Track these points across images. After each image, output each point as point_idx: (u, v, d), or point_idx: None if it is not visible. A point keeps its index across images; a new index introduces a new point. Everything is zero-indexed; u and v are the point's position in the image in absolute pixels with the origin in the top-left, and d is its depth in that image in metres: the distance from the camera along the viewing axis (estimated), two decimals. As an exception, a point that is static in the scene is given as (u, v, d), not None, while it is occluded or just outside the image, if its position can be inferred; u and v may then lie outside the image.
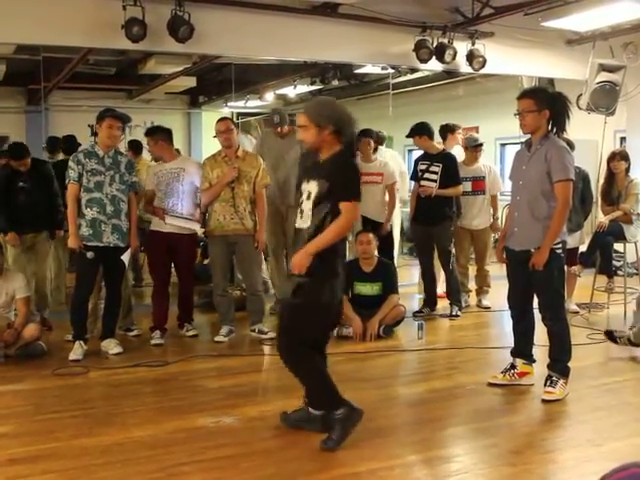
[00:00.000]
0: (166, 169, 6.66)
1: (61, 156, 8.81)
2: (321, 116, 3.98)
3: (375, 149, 7.94)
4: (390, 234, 7.98)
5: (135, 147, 9.24)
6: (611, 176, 7.93)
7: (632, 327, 6.10)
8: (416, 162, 7.82)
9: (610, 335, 6.21)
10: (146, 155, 8.77)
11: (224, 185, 6.48)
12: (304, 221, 4.05)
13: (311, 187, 4.03)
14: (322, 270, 3.96)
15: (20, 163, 6.82)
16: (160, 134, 6.76)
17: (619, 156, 7.95)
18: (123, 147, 7.99)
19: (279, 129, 7.41)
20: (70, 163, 6.06)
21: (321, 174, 3.99)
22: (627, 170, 7.91)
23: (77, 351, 5.97)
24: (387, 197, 7.86)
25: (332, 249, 3.99)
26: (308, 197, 4.04)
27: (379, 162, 7.92)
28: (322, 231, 3.95)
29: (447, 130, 8.38)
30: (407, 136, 7.65)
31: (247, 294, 6.92)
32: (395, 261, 8.08)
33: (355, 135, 4.22)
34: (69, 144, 8.65)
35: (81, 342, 6.04)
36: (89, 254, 5.92)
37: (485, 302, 8.04)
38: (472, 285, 8.27)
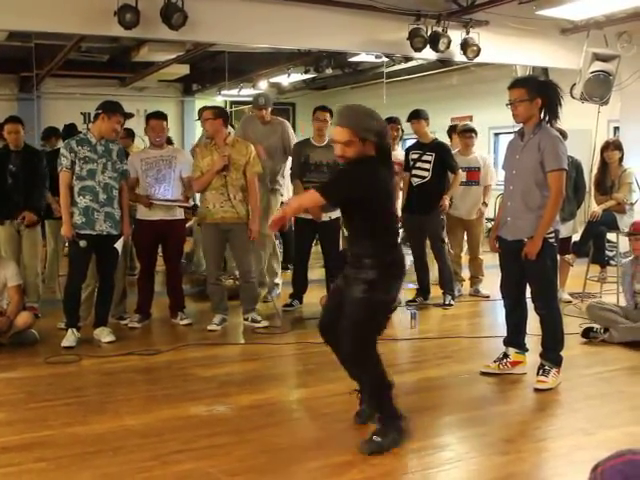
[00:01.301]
0: (156, 156, 6.64)
1: (61, 144, 8.76)
2: (367, 130, 3.73)
3: (400, 138, 7.93)
4: None
5: (127, 134, 9.14)
6: (604, 166, 7.95)
7: (606, 330, 6.11)
8: (407, 151, 7.80)
9: (587, 333, 6.22)
10: (138, 142, 8.74)
11: (215, 173, 6.45)
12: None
13: None
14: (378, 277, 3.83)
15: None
16: (162, 117, 6.79)
17: (613, 145, 7.95)
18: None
19: (263, 112, 7.41)
20: (62, 150, 6.04)
21: None
22: (620, 160, 7.92)
23: (70, 338, 5.96)
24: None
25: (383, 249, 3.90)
26: None
27: (400, 152, 7.89)
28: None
29: (453, 130, 8.39)
30: (407, 120, 7.63)
31: (240, 282, 6.92)
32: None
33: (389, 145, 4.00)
34: (69, 132, 8.60)
35: (74, 330, 6.02)
36: (82, 243, 5.91)
37: (483, 291, 8.06)
38: (465, 274, 8.28)
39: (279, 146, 7.61)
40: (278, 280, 8.00)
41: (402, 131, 8.04)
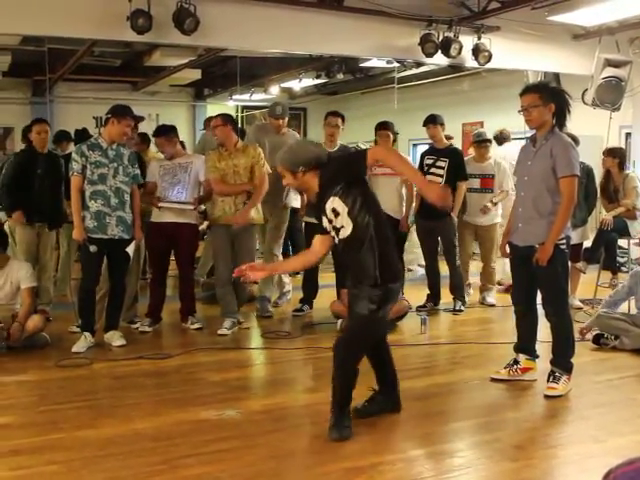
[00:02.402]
0: (174, 162, 6.74)
1: (72, 148, 8.81)
2: (292, 164, 4.19)
3: (393, 141, 7.90)
4: (397, 230, 7.94)
5: (143, 139, 9.11)
6: (607, 173, 7.96)
7: (617, 337, 6.10)
8: (422, 156, 7.81)
9: (597, 340, 6.21)
10: (154, 147, 8.76)
11: (239, 192, 6.59)
12: (343, 232, 4.18)
13: (336, 204, 4.13)
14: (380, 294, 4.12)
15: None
16: (174, 133, 6.84)
17: (606, 152, 7.98)
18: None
19: (280, 121, 7.39)
20: (73, 155, 6.06)
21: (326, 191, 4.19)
22: (621, 166, 7.92)
23: (81, 344, 5.98)
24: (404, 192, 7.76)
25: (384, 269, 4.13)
26: (336, 215, 4.16)
27: None
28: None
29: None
30: (423, 124, 7.63)
31: (235, 280, 6.82)
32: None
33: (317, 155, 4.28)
34: (81, 137, 8.62)
35: (88, 334, 6.05)
36: (92, 248, 5.93)
37: (490, 299, 8.03)
38: (472, 279, 8.25)
39: None
40: (288, 287, 7.98)
41: (396, 134, 7.97)
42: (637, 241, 6.84)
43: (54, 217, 7.11)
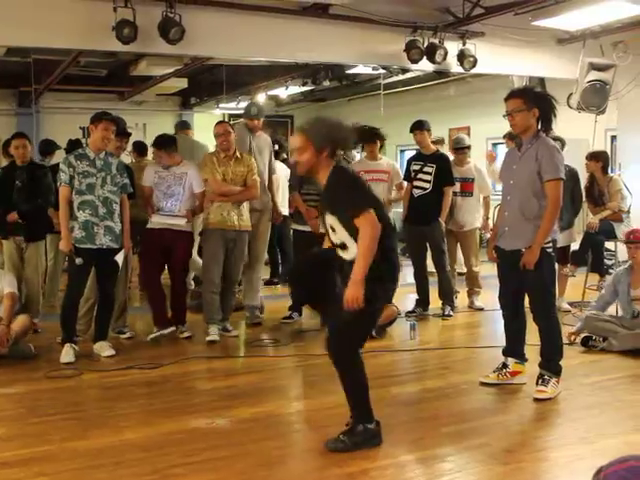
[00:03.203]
0: (169, 171, 6.77)
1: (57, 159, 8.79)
2: (319, 136, 3.88)
3: (381, 147, 7.93)
4: None
5: (139, 148, 9.00)
6: (592, 176, 8.02)
7: (605, 339, 6.14)
8: (409, 162, 7.85)
9: (586, 342, 6.24)
10: (150, 156, 8.77)
11: (238, 199, 6.68)
12: (347, 253, 3.97)
13: (331, 220, 4.01)
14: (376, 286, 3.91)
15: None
16: (174, 146, 6.87)
17: (589, 156, 8.04)
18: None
19: (255, 122, 7.33)
20: (61, 166, 6.06)
21: (328, 205, 4.03)
22: (604, 169, 7.98)
23: (69, 354, 5.96)
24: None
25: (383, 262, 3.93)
26: (334, 230, 4.01)
27: (385, 161, 7.93)
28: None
29: None
30: (410, 131, 7.67)
31: (225, 287, 6.84)
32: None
33: (348, 138, 4.09)
34: (74, 148, 8.56)
35: (72, 345, 6.02)
36: (77, 260, 5.92)
37: (478, 303, 8.05)
38: (459, 286, 8.27)
39: (267, 162, 7.48)
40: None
41: (384, 141, 8.02)
42: (623, 238, 6.87)
43: (33, 230, 7.02)
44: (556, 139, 5.15)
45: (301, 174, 4.16)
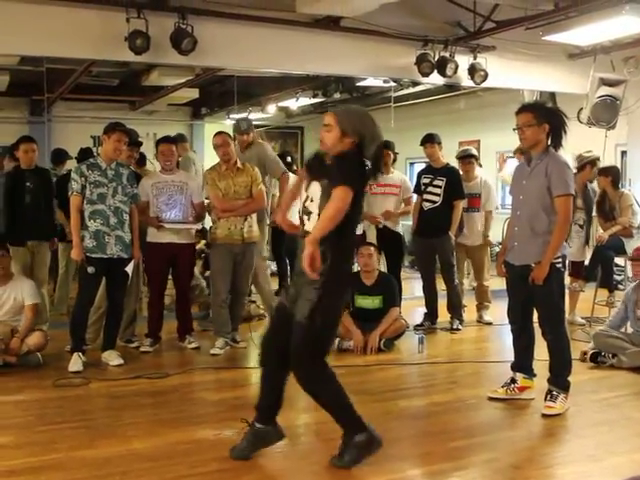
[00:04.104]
0: (167, 181, 6.72)
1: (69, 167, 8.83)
2: (350, 124, 3.88)
3: (393, 161, 7.95)
4: (400, 246, 7.98)
5: (138, 159, 9.12)
6: (603, 191, 8.01)
7: (614, 355, 6.12)
8: (419, 175, 7.86)
9: (595, 358, 6.21)
10: (149, 166, 8.80)
11: (242, 212, 6.61)
12: (312, 224, 3.88)
13: (315, 189, 3.93)
14: (331, 279, 3.79)
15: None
16: (174, 142, 6.93)
17: (600, 171, 8.02)
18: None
19: (245, 137, 7.39)
20: (73, 175, 6.10)
21: (322, 171, 3.91)
22: (614, 184, 7.96)
23: (77, 363, 5.97)
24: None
25: (340, 255, 3.85)
26: (312, 200, 3.94)
27: (397, 175, 7.94)
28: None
29: None
30: (420, 144, 7.69)
31: (233, 299, 6.85)
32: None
33: (379, 151, 4.02)
34: (84, 156, 8.60)
35: (79, 354, 6.04)
36: (90, 269, 5.95)
37: (487, 317, 8.03)
38: (466, 300, 8.24)
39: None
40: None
41: (396, 154, 8.04)
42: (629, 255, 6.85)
43: (46, 232, 7.12)
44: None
45: (323, 149, 4.00)
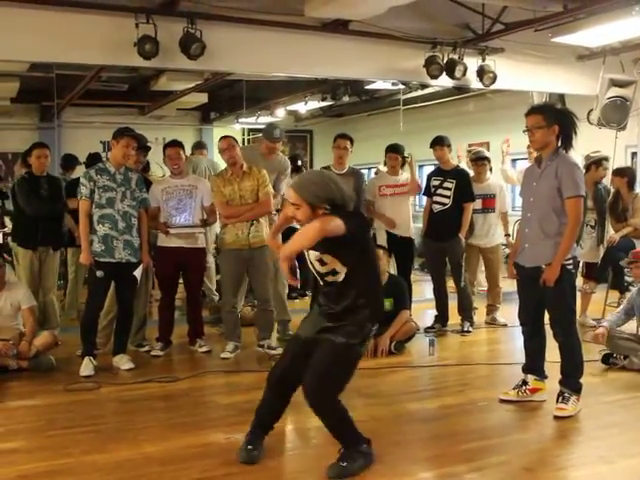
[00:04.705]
0: (177, 185, 6.73)
1: (77, 173, 8.87)
2: (314, 195, 3.78)
3: (402, 164, 7.94)
4: (410, 249, 7.96)
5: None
6: (617, 192, 7.97)
7: (626, 357, 6.09)
8: (429, 177, 7.84)
9: (606, 360, 6.19)
10: (154, 169, 8.82)
11: (249, 214, 6.54)
12: (339, 276, 3.90)
13: (318, 255, 3.91)
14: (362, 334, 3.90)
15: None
16: (180, 145, 6.90)
17: (615, 172, 7.99)
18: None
19: (277, 144, 7.30)
20: (82, 179, 6.12)
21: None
22: (630, 185, 7.92)
23: (88, 367, 5.99)
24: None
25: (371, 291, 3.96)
26: (323, 263, 3.92)
27: (406, 175, 7.93)
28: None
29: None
30: (430, 146, 7.68)
31: (258, 308, 6.92)
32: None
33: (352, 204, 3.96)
34: (93, 161, 8.63)
35: (90, 358, 6.05)
36: (98, 273, 5.98)
37: (501, 319, 8.01)
38: (477, 302, 8.23)
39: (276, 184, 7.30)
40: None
41: (405, 157, 8.02)
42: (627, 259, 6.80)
43: (56, 240, 7.19)
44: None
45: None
